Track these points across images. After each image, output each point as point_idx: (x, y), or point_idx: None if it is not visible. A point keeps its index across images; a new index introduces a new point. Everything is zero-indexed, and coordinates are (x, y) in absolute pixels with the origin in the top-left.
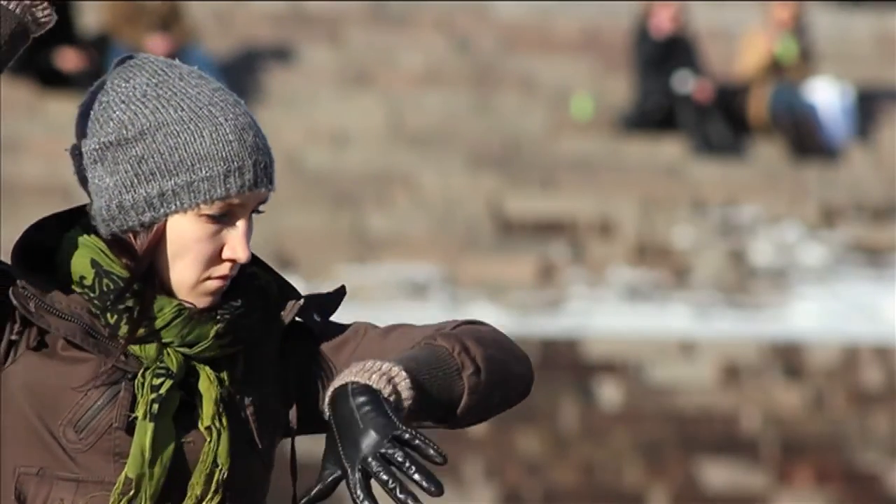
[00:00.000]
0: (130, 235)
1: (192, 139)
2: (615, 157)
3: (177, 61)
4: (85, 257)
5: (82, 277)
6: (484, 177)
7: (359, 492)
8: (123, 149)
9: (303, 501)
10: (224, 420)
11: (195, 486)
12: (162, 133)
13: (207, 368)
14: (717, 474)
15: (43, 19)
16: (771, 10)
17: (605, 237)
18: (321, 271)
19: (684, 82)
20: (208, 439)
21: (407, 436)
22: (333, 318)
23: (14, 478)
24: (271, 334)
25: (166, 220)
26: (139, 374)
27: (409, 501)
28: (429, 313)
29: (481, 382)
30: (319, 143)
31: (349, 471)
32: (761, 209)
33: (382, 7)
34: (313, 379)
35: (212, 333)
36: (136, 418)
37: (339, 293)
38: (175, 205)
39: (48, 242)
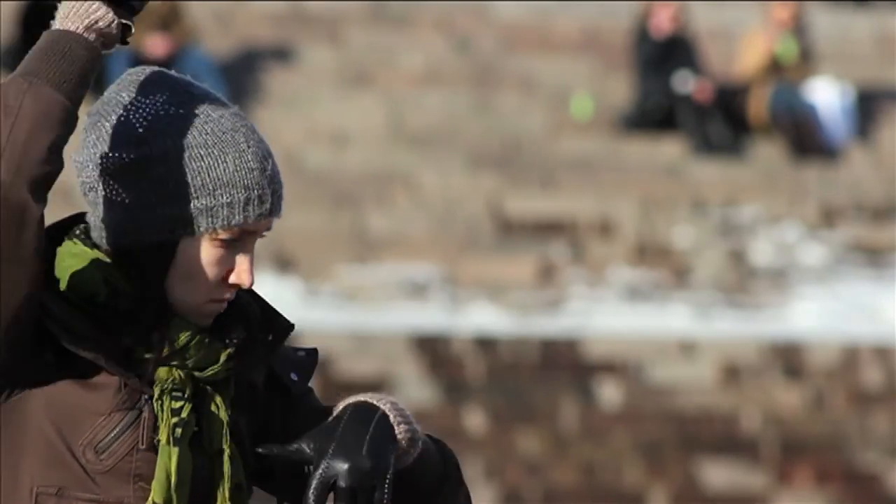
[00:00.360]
0: (139, 252)
1: (216, 164)
2: (615, 157)
3: (190, 78)
4: (95, 274)
5: (93, 295)
6: (484, 177)
7: (311, 495)
8: (145, 167)
9: (260, 449)
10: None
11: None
12: (187, 156)
13: (213, 391)
14: (717, 474)
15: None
16: (771, 10)
17: (605, 237)
18: (321, 271)
19: (684, 82)
20: (226, 462)
21: (380, 495)
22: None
23: (32, 497)
24: (259, 359)
25: (179, 241)
26: (156, 397)
27: None
28: (429, 313)
29: None
30: (319, 143)
31: (319, 470)
32: (761, 209)
33: (382, 7)
34: (268, 430)
35: (223, 358)
36: (158, 441)
37: (313, 355)
38: (192, 228)
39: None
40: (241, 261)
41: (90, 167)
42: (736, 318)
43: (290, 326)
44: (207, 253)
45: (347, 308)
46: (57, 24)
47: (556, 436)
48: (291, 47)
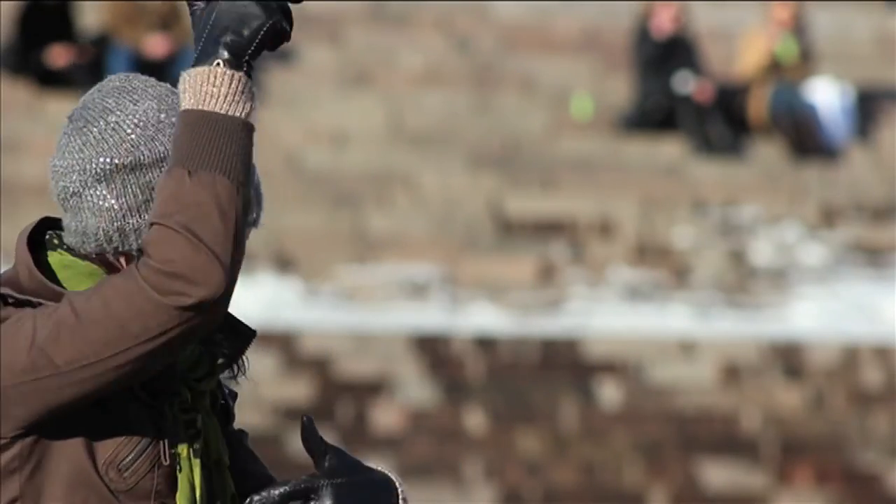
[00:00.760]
0: (121, 258)
1: None
2: (615, 157)
3: (170, 86)
4: (77, 280)
5: None
6: (484, 177)
7: (282, 489)
8: (136, 173)
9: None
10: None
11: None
12: None
13: (204, 401)
14: (717, 474)
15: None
16: (771, 10)
17: (605, 237)
18: (321, 271)
19: (684, 82)
20: (226, 471)
21: None
22: None
23: None
24: (224, 369)
25: None
26: (167, 409)
27: None
28: (429, 313)
29: None
30: (319, 143)
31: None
32: (761, 209)
33: (382, 7)
34: None
35: (217, 369)
36: (176, 455)
37: (234, 397)
38: None
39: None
40: None
41: (75, 173)
42: (736, 318)
43: (253, 333)
44: None
45: (347, 308)
46: (202, 102)
47: (556, 436)
48: (291, 47)
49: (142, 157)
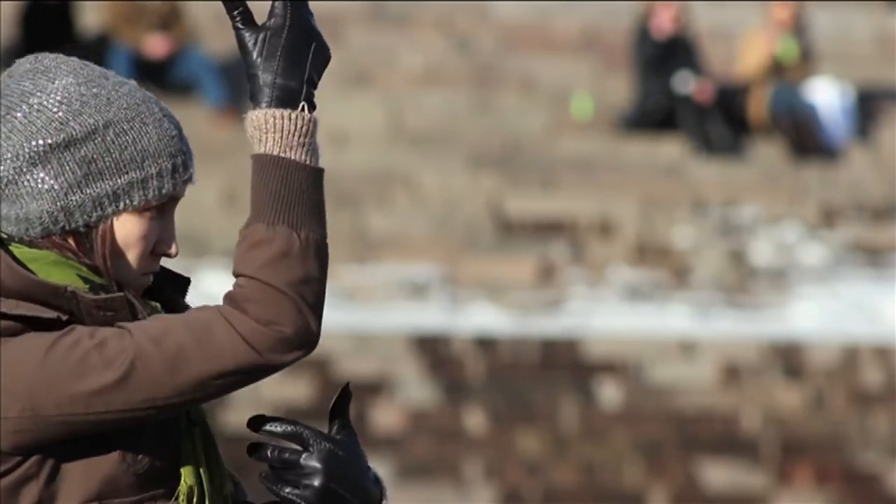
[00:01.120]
0: (69, 238)
1: (141, 136)
2: (615, 157)
3: (79, 60)
4: (67, 273)
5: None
6: (484, 177)
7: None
8: (71, 150)
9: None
10: None
11: (225, 479)
12: (112, 132)
13: None
14: (717, 474)
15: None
16: (771, 10)
17: (605, 237)
18: None
19: (685, 83)
20: (201, 435)
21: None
22: None
23: None
24: None
25: (113, 220)
26: None
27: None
28: (429, 313)
29: None
30: (319, 143)
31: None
32: (761, 209)
33: (382, 7)
34: None
35: None
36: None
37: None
38: (125, 203)
39: None
40: (168, 229)
41: (7, 161)
42: (736, 318)
43: (188, 281)
44: (140, 226)
45: (347, 308)
46: (271, 147)
47: (556, 436)
48: None
49: (74, 133)
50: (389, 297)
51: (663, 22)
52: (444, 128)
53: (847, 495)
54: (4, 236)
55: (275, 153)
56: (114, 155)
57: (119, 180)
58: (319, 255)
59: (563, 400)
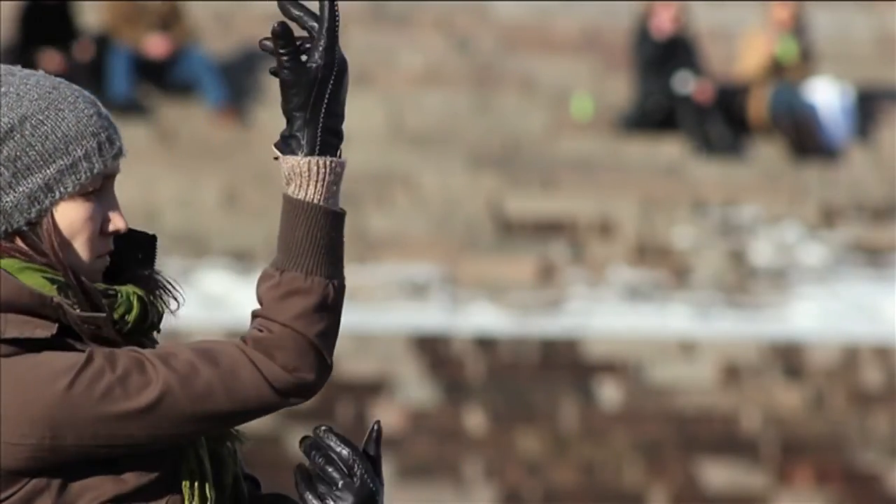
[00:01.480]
0: (16, 238)
1: (59, 123)
2: (615, 157)
3: None
4: (35, 279)
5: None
6: (484, 177)
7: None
8: None
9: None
10: None
11: (229, 459)
12: (29, 125)
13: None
14: (717, 474)
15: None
16: (771, 10)
17: (605, 237)
18: None
19: (685, 83)
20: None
21: None
22: None
23: None
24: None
25: (53, 211)
26: None
27: None
28: (429, 313)
29: None
30: None
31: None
32: (761, 209)
33: (382, 7)
34: None
35: (164, 308)
36: None
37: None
38: (60, 191)
39: None
40: (112, 206)
41: None
42: (736, 318)
43: (154, 237)
44: (80, 211)
45: (347, 308)
46: (312, 195)
47: (556, 436)
48: None
49: None
50: (389, 297)
51: (663, 22)
52: (444, 128)
53: (847, 495)
54: None
55: (316, 202)
56: (37, 148)
57: (48, 171)
58: (342, 303)
59: (563, 400)
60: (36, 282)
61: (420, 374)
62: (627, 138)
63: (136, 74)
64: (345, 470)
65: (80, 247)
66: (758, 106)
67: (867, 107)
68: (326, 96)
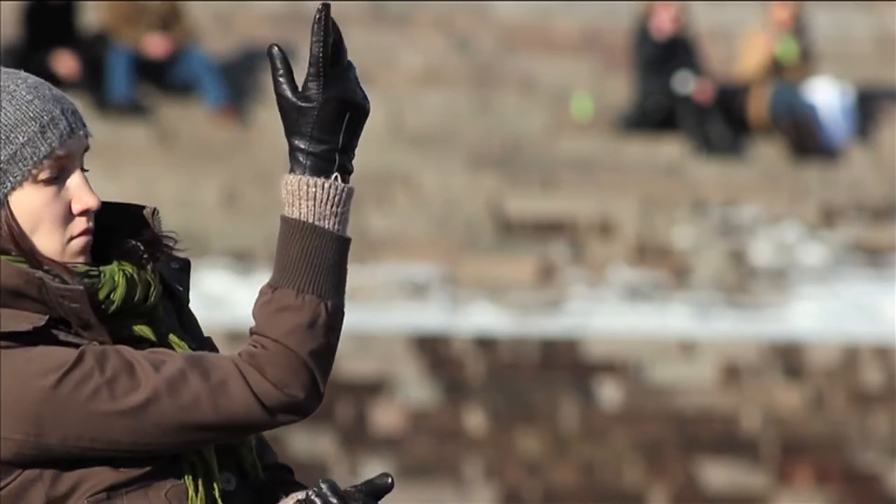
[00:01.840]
0: None
1: None
2: (615, 157)
3: None
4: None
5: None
6: (484, 177)
7: None
8: None
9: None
10: None
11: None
12: None
13: (165, 331)
14: (717, 474)
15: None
16: (771, 10)
17: (605, 237)
18: None
19: (685, 83)
20: None
21: None
22: None
23: None
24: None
25: (8, 202)
26: None
27: None
28: (429, 313)
29: None
30: None
31: None
32: (761, 209)
33: (382, 7)
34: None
35: (153, 281)
36: None
37: (187, 269)
38: (10, 182)
39: None
40: (75, 186)
41: None
42: (736, 318)
43: (141, 207)
44: (39, 196)
45: (348, 308)
46: (305, 214)
47: (556, 436)
48: (291, 47)
49: None
50: (389, 297)
51: (663, 22)
52: (444, 128)
53: (847, 495)
54: None
55: (309, 220)
56: None
57: None
58: (339, 326)
59: (563, 400)
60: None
61: (420, 374)
62: (627, 138)
63: (136, 74)
64: None
65: (48, 232)
66: (758, 106)
67: (867, 107)
68: (312, 125)
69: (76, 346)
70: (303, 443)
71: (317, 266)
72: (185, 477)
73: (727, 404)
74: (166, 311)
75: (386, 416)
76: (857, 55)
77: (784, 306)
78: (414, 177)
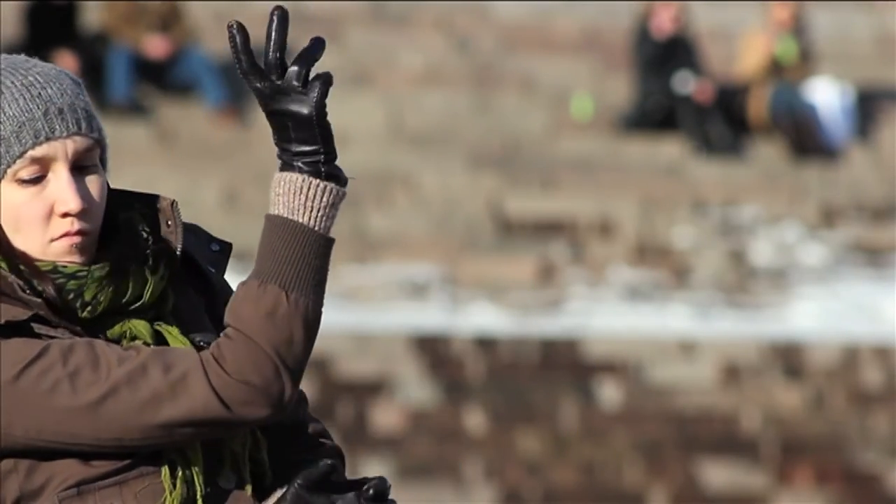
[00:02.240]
0: None
1: None
2: (615, 157)
3: None
4: None
5: None
6: (484, 177)
7: None
8: None
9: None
10: None
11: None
12: None
13: (165, 325)
14: (717, 474)
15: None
16: (771, 10)
17: (605, 237)
18: None
19: (685, 83)
20: None
21: None
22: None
23: None
24: (172, 257)
25: None
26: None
27: None
28: (429, 313)
29: None
30: None
31: None
32: (761, 209)
33: (382, 7)
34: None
35: (150, 285)
36: None
37: (227, 252)
38: None
39: None
40: (58, 188)
41: None
42: (736, 318)
43: (174, 202)
44: (17, 196)
45: (347, 308)
46: (280, 209)
47: (556, 436)
48: (291, 47)
49: None
50: (389, 297)
51: (663, 22)
52: (444, 128)
53: (847, 495)
54: None
55: (282, 214)
56: None
57: None
58: (307, 320)
59: (563, 400)
60: None
61: (420, 374)
62: (627, 138)
63: (136, 74)
64: None
65: (28, 232)
66: (758, 106)
67: (867, 107)
68: (289, 129)
69: (55, 339)
70: None
71: (283, 258)
72: (163, 475)
73: (727, 404)
74: (187, 301)
75: (386, 416)
76: (857, 55)
77: (784, 306)
78: (414, 177)
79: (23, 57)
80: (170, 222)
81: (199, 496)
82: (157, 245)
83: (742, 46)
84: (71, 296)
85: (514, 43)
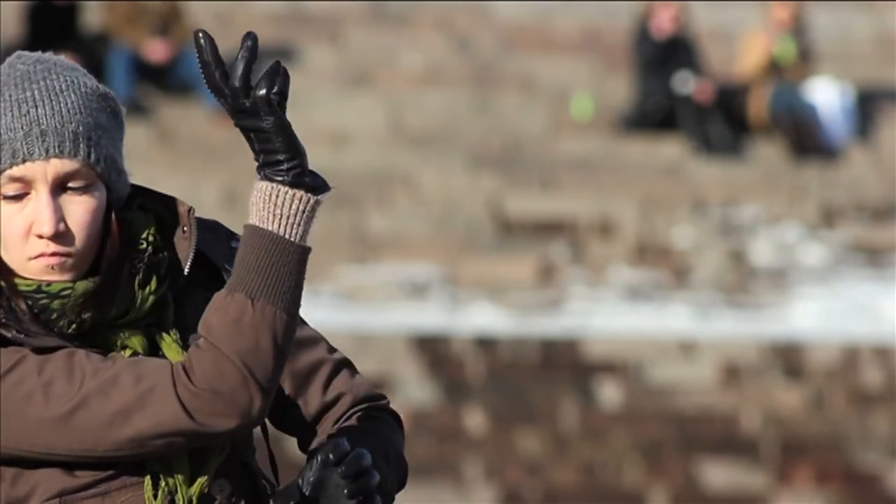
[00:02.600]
0: None
1: None
2: (615, 157)
3: None
4: None
5: None
6: (484, 177)
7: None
8: None
9: None
10: None
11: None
12: None
13: (163, 333)
14: (717, 474)
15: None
16: (771, 10)
17: (605, 237)
18: (321, 271)
19: (685, 83)
20: None
21: None
22: None
23: None
24: (177, 263)
25: None
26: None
27: None
28: (429, 313)
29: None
30: (319, 143)
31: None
32: (761, 209)
33: (382, 7)
34: None
35: (142, 297)
36: None
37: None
38: None
39: None
40: (34, 210)
41: None
42: (736, 318)
43: (191, 209)
44: (2, 210)
45: (347, 308)
46: (253, 219)
47: (556, 436)
48: (291, 47)
49: None
50: (389, 297)
51: (663, 22)
52: (444, 128)
53: (847, 495)
54: None
55: (254, 223)
56: None
57: None
58: (274, 329)
59: (563, 400)
60: None
61: (420, 374)
62: (627, 138)
63: (137, 75)
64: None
65: (9, 247)
66: (758, 106)
67: (867, 107)
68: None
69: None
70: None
71: (251, 266)
72: (145, 486)
73: (727, 404)
74: (195, 305)
75: None
76: (857, 55)
77: (784, 306)
78: (414, 177)
79: (51, 61)
80: (185, 228)
81: None
82: (159, 255)
83: (742, 46)
84: (54, 315)
85: (514, 43)
